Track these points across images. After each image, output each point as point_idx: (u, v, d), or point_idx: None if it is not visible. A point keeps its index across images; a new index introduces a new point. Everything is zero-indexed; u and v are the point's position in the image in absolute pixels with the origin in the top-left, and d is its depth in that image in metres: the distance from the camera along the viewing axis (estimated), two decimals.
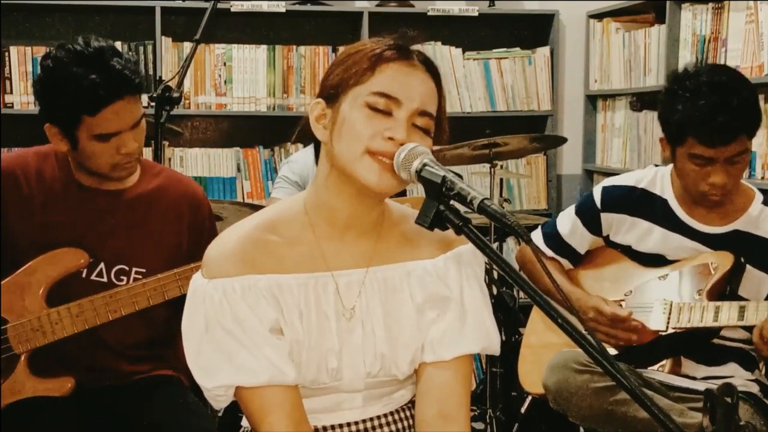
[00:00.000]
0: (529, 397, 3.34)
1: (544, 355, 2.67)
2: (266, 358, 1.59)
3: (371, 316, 1.68)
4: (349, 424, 1.72)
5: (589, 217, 2.75)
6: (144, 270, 2.40)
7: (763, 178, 3.49)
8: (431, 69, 1.65)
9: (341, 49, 1.77)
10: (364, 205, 1.66)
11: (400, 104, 1.59)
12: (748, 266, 2.54)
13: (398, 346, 1.69)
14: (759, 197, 2.60)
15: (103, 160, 2.32)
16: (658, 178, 2.67)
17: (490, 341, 1.74)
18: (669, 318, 2.56)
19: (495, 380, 3.69)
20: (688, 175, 2.50)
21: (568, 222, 2.80)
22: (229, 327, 1.59)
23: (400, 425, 1.76)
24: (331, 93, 1.63)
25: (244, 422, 1.79)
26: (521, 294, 4.06)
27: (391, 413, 1.76)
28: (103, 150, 2.30)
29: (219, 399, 1.64)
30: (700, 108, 2.40)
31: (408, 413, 1.78)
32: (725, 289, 2.54)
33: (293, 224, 1.67)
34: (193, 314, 1.63)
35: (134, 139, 2.33)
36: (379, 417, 1.74)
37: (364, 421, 1.73)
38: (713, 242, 2.57)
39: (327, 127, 1.63)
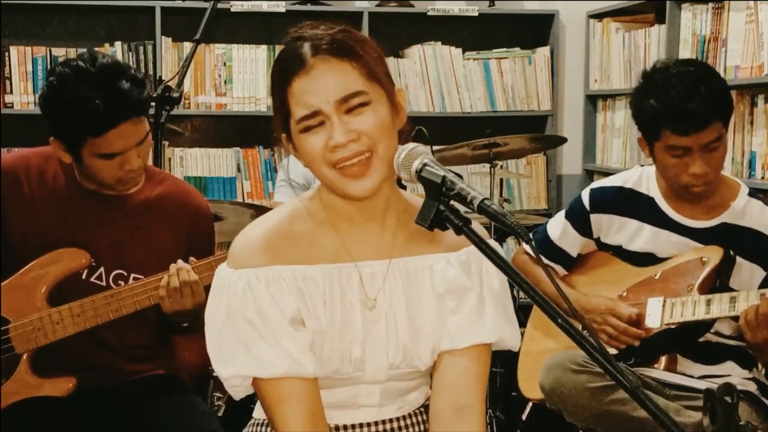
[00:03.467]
0: (530, 403, 3.34)
1: (543, 361, 2.67)
2: (284, 349, 1.60)
3: (394, 308, 1.69)
4: (361, 425, 1.73)
5: (579, 219, 2.77)
6: (142, 276, 2.40)
7: (763, 178, 3.49)
8: (335, 50, 1.61)
9: None
10: (371, 198, 1.65)
11: (323, 112, 1.59)
12: (737, 258, 2.56)
13: (420, 337, 1.70)
14: (744, 189, 2.62)
15: (107, 175, 2.32)
16: (644, 177, 2.70)
17: (507, 334, 1.74)
18: (662, 314, 2.58)
19: (495, 380, 3.69)
20: (669, 169, 2.53)
21: (558, 226, 2.82)
22: (250, 317, 1.61)
23: (413, 429, 1.77)
24: (284, 127, 1.66)
25: (255, 413, 1.81)
26: (521, 294, 4.06)
27: (404, 417, 1.77)
28: (107, 166, 2.30)
29: (236, 389, 1.66)
30: (671, 98, 2.45)
31: (422, 418, 1.79)
32: (716, 283, 2.56)
33: (314, 219, 1.69)
34: (215, 303, 1.65)
35: (138, 155, 2.32)
36: (391, 420, 1.75)
37: (376, 423, 1.74)
38: (702, 236, 2.59)
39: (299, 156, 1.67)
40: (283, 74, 1.62)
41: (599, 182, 2.79)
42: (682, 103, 2.43)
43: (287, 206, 1.73)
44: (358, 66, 1.61)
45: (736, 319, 2.50)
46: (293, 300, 1.63)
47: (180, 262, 2.35)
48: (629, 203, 2.68)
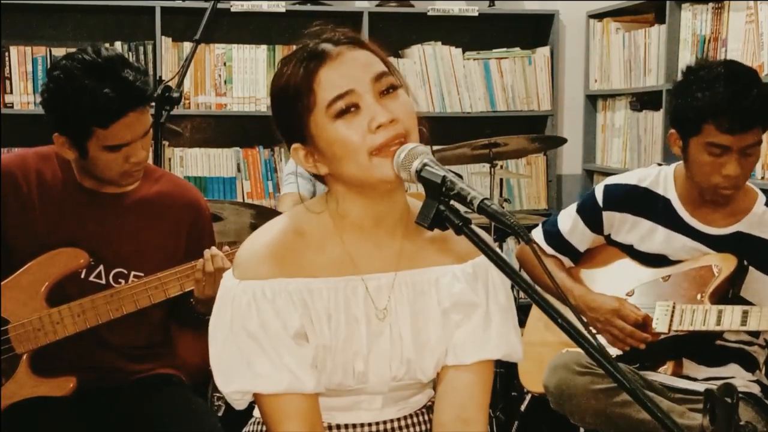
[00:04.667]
0: (529, 395, 3.33)
1: (544, 353, 2.67)
2: (286, 366, 1.59)
3: (399, 321, 1.68)
4: (362, 425, 1.73)
5: (591, 215, 2.74)
6: (142, 274, 2.40)
7: (763, 178, 3.49)
8: (353, 41, 1.61)
9: None
10: (388, 203, 1.65)
11: (356, 92, 1.56)
12: (750, 268, 2.54)
13: (425, 351, 1.69)
14: (762, 198, 2.59)
15: (113, 169, 2.32)
16: (661, 178, 2.66)
17: (512, 348, 1.74)
18: (671, 320, 2.56)
19: (495, 380, 3.69)
20: (702, 167, 2.48)
21: (569, 220, 2.80)
22: (254, 331, 1.59)
23: (414, 429, 1.77)
24: (297, 132, 1.61)
25: (256, 412, 1.80)
26: (521, 294, 4.06)
27: (405, 417, 1.76)
28: (113, 159, 2.30)
29: (237, 402, 1.65)
30: (721, 94, 2.41)
31: (423, 417, 1.79)
32: (728, 292, 2.54)
33: (321, 228, 1.66)
34: (219, 314, 1.64)
35: (143, 147, 2.33)
36: (392, 420, 1.75)
37: (377, 423, 1.74)
38: (716, 243, 2.57)
39: (318, 160, 1.62)
40: (308, 67, 1.57)
41: (614, 178, 2.75)
42: (733, 101, 2.39)
43: (294, 214, 1.70)
44: (378, 56, 1.62)
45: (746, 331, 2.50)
46: (298, 315, 1.61)
47: (214, 249, 2.36)
48: (644, 203, 2.65)
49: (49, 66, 4.42)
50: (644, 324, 2.59)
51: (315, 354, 1.63)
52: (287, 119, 1.62)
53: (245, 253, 1.64)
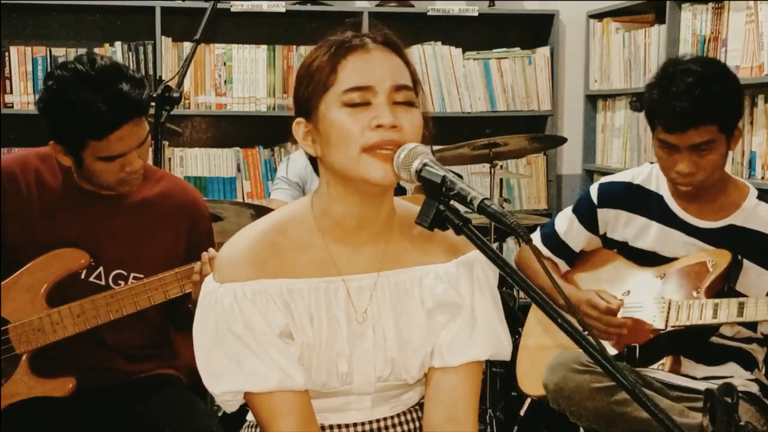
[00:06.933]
0: (529, 399, 3.34)
1: (542, 357, 2.67)
2: (275, 363, 1.60)
3: (382, 321, 1.68)
4: (355, 425, 1.73)
5: (586, 214, 2.76)
6: (141, 275, 2.40)
7: (763, 178, 3.49)
8: (391, 44, 1.63)
9: None
10: (372, 207, 1.65)
11: (374, 90, 1.58)
12: (744, 261, 2.55)
13: (408, 351, 1.69)
14: (753, 192, 2.61)
15: (108, 177, 2.32)
16: (653, 175, 2.69)
17: (500, 348, 1.74)
18: (668, 316, 2.57)
19: (495, 380, 3.69)
20: (660, 162, 2.56)
21: (565, 220, 2.82)
22: (239, 331, 1.59)
23: (406, 427, 1.76)
24: (306, 107, 1.63)
25: (249, 416, 1.80)
26: (521, 294, 4.06)
27: (398, 415, 1.76)
28: (108, 168, 2.30)
29: (228, 404, 1.65)
30: (667, 94, 2.46)
31: (415, 415, 1.79)
32: (723, 287, 2.55)
33: (303, 228, 1.66)
34: (203, 318, 1.64)
35: (139, 156, 2.32)
36: (385, 419, 1.75)
37: (370, 422, 1.73)
38: (709, 237, 2.59)
39: (315, 140, 1.63)
40: (339, 50, 1.60)
41: (608, 177, 2.79)
42: (672, 101, 2.43)
43: (275, 215, 1.70)
44: (409, 69, 1.64)
45: (743, 325, 2.50)
46: (281, 314, 1.61)
47: (212, 251, 2.35)
48: (637, 200, 2.68)
49: (49, 66, 4.44)
50: (617, 311, 2.61)
51: (301, 353, 1.64)
52: (302, 92, 1.63)
53: (224, 255, 1.64)
